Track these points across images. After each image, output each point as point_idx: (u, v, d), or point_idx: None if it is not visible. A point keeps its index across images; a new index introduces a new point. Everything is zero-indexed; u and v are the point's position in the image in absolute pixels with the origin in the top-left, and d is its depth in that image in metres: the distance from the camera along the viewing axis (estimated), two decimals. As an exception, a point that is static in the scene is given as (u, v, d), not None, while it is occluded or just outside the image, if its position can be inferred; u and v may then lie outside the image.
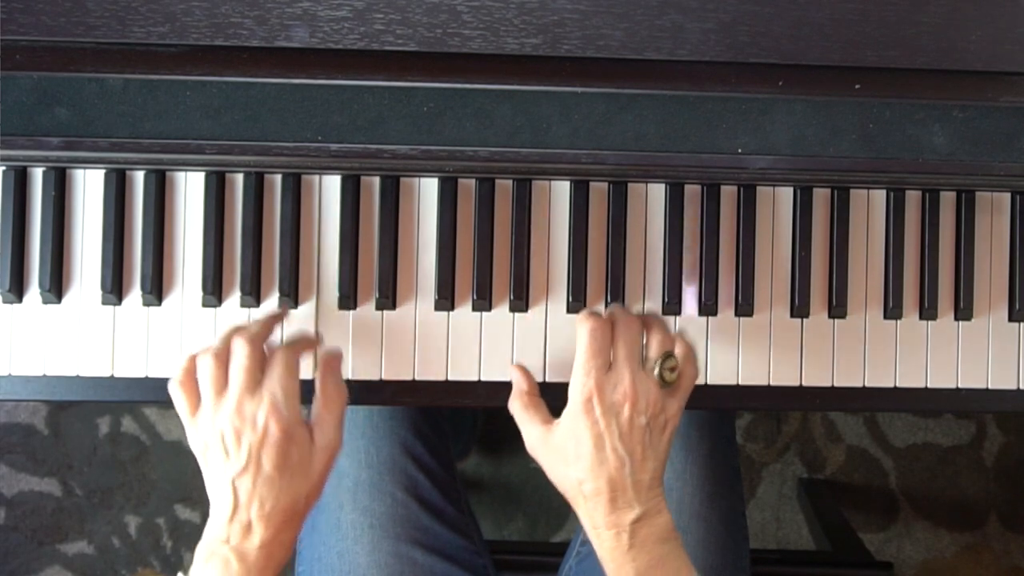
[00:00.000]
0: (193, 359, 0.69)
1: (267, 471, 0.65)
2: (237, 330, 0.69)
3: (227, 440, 0.66)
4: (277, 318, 0.75)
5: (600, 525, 0.68)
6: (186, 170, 0.77)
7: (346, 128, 0.69)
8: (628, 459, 0.67)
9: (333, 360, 0.73)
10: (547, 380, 0.78)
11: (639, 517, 0.67)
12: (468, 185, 0.78)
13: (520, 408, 0.72)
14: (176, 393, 0.69)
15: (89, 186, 0.77)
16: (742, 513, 0.95)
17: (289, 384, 0.67)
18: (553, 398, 0.80)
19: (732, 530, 0.92)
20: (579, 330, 0.69)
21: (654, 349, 0.70)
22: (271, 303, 0.77)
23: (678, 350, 0.71)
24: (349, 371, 0.78)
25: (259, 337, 0.69)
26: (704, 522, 0.90)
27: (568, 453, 0.68)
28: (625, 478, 0.67)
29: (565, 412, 0.69)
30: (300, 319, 0.78)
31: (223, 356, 0.67)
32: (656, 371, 0.69)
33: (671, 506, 0.89)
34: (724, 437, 0.94)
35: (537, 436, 0.70)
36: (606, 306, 0.78)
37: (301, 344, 0.73)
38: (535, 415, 0.71)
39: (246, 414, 0.66)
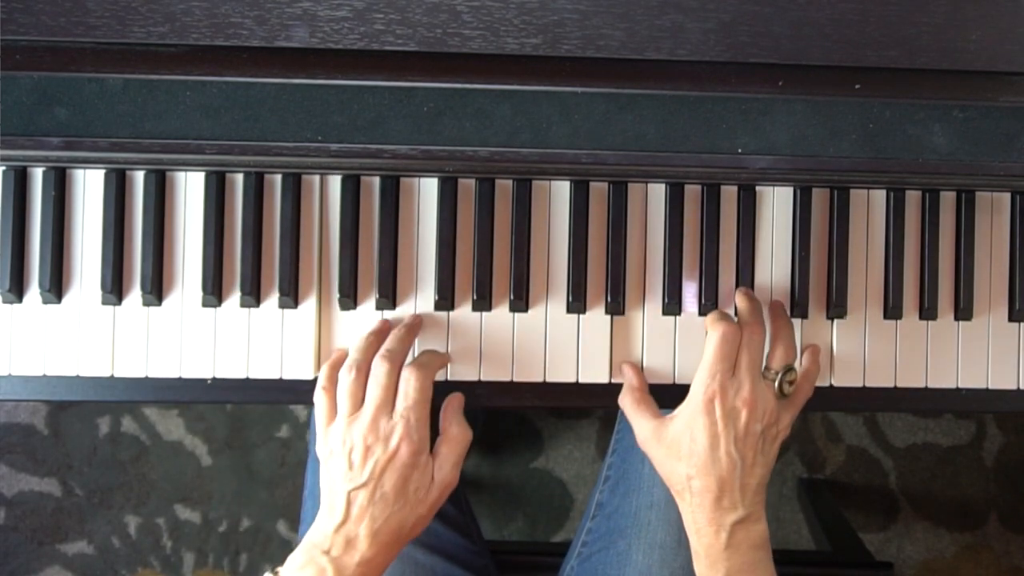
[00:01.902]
0: (335, 367, 0.72)
1: (386, 491, 0.68)
2: (374, 335, 0.72)
3: (354, 454, 0.68)
4: (414, 329, 0.75)
5: (702, 521, 0.70)
6: (186, 170, 0.77)
7: (346, 128, 0.69)
8: (740, 462, 0.69)
9: (458, 400, 0.75)
10: (547, 380, 0.78)
11: (741, 519, 0.69)
12: (468, 185, 0.78)
13: (631, 403, 0.74)
14: (319, 399, 0.72)
15: (89, 186, 0.77)
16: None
17: (422, 410, 0.70)
18: (553, 398, 0.80)
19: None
20: (710, 332, 0.71)
21: (777, 360, 0.73)
22: (271, 303, 0.77)
23: (801, 363, 0.75)
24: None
25: (399, 355, 0.71)
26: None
27: (682, 448, 0.70)
28: (735, 480, 0.69)
29: (684, 409, 0.71)
30: (300, 319, 0.78)
31: (363, 370, 0.70)
32: (776, 382, 0.72)
33: (675, 507, 0.89)
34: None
35: (650, 430, 0.72)
36: (606, 307, 0.78)
37: (435, 365, 0.74)
38: (647, 410, 0.73)
39: (379, 433, 0.68)
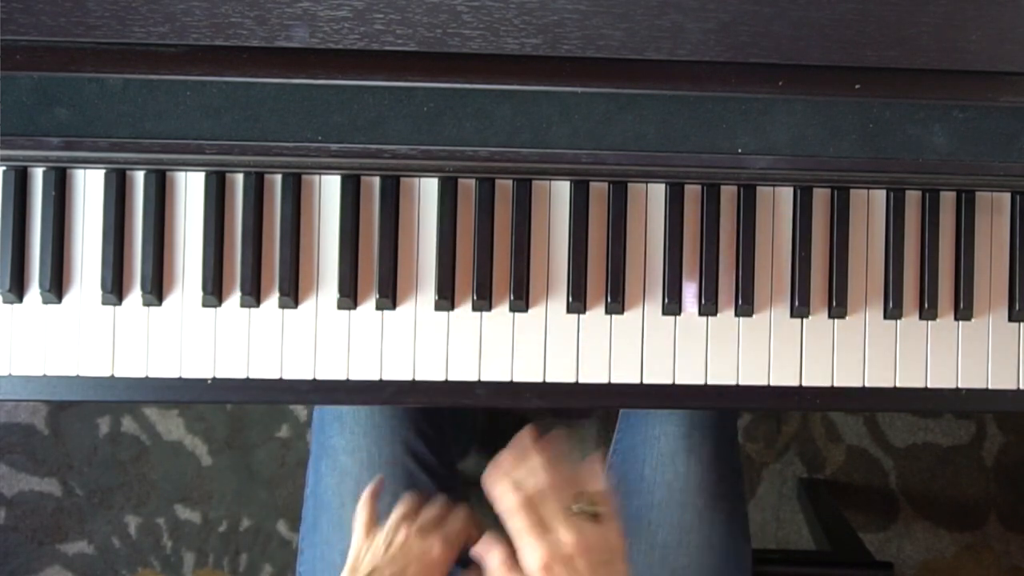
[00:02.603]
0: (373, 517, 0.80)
1: None
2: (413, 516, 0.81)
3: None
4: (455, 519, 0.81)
5: None
6: (186, 170, 0.77)
7: (346, 128, 0.69)
8: None
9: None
10: (547, 380, 0.78)
11: None
12: (468, 185, 0.78)
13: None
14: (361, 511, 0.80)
15: (89, 186, 0.77)
16: (744, 514, 0.95)
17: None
18: (553, 398, 0.80)
19: (734, 531, 0.92)
20: (501, 511, 0.72)
21: (567, 497, 0.72)
22: (271, 303, 0.77)
23: (592, 484, 0.74)
24: (349, 371, 0.78)
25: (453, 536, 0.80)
26: (708, 523, 0.90)
27: None
28: None
29: None
30: (300, 319, 0.78)
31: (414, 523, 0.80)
32: (586, 513, 0.71)
33: (675, 507, 0.89)
34: (727, 438, 0.94)
35: None
36: (606, 307, 0.78)
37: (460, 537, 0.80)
38: None
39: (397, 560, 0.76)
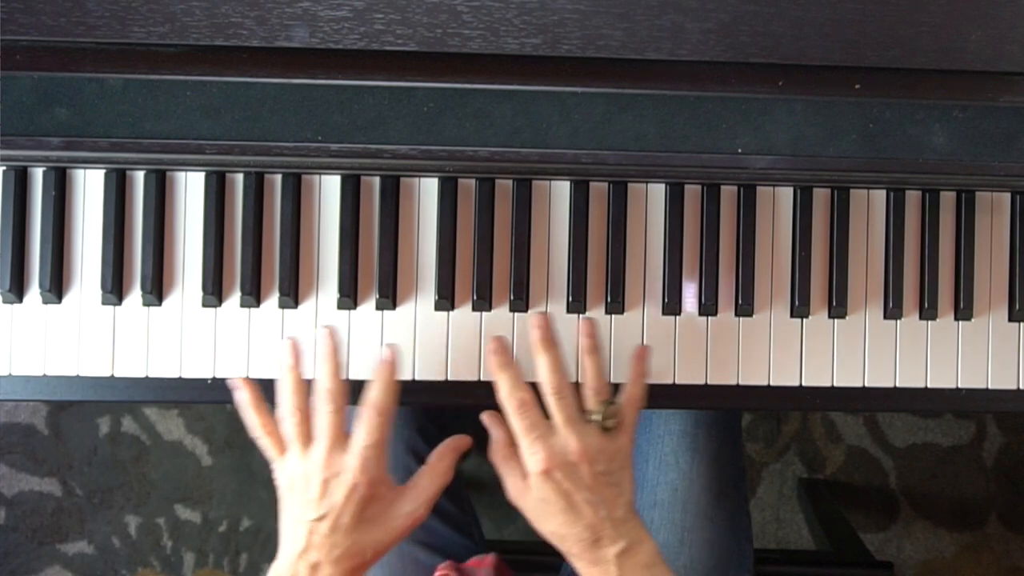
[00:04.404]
0: (266, 414, 0.73)
1: (344, 522, 0.69)
2: (293, 370, 0.72)
3: (311, 488, 0.70)
4: (335, 354, 0.73)
5: (588, 566, 0.70)
6: (186, 170, 0.77)
7: (346, 128, 0.69)
8: (600, 503, 0.70)
9: (463, 443, 0.76)
10: (547, 380, 0.78)
11: (623, 550, 0.70)
12: (468, 185, 0.78)
13: (500, 460, 0.74)
14: (263, 442, 0.73)
15: (89, 186, 0.77)
16: (746, 513, 0.95)
17: (380, 448, 0.70)
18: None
19: (737, 530, 0.92)
20: (506, 410, 0.71)
21: (590, 401, 0.72)
22: (271, 303, 0.77)
23: (625, 390, 0.74)
24: (348, 371, 0.78)
25: (339, 393, 0.71)
26: (711, 522, 0.90)
27: (543, 512, 0.71)
28: (603, 520, 0.70)
29: (530, 481, 0.71)
30: (300, 319, 0.78)
31: (304, 409, 0.71)
32: (599, 422, 0.71)
33: (678, 506, 0.89)
34: (731, 438, 0.94)
35: (516, 490, 0.73)
36: (606, 307, 0.78)
37: (392, 406, 0.72)
38: (515, 467, 0.73)
39: (335, 467, 0.69)
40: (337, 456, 0.70)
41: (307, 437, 0.71)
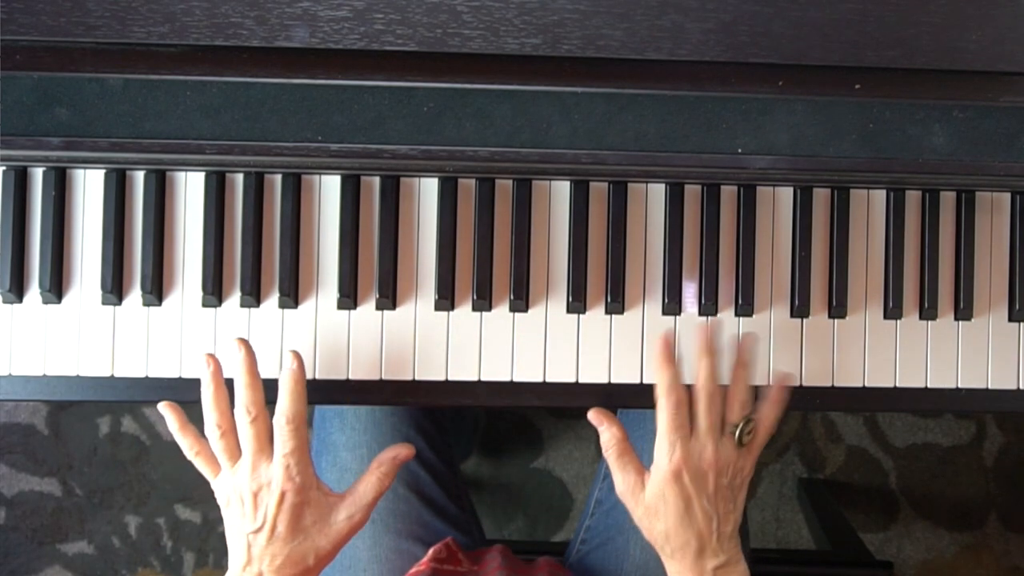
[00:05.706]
0: (193, 435, 0.74)
1: (280, 531, 0.71)
2: (213, 387, 0.72)
3: (245, 501, 0.71)
4: (253, 366, 0.73)
5: (684, 570, 0.72)
6: (186, 170, 0.77)
7: (346, 128, 0.69)
8: (715, 515, 0.72)
9: (405, 452, 0.76)
10: (547, 380, 0.78)
11: (722, 564, 0.72)
12: (468, 185, 0.78)
13: (615, 456, 0.75)
14: (197, 463, 0.75)
15: (89, 186, 0.77)
16: (743, 511, 0.95)
17: (302, 454, 0.71)
18: (553, 398, 0.80)
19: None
20: (660, 401, 0.72)
21: (735, 414, 0.74)
22: (271, 303, 0.77)
23: (760, 410, 0.75)
24: (349, 371, 0.78)
25: (257, 404, 0.72)
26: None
27: (658, 510, 0.73)
28: (712, 532, 0.72)
29: (654, 476, 0.73)
30: (300, 319, 0.78)
31: (226, 426, 0.72)
32: (736, 436, 0.73)
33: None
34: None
35: (629, 487, 0.74)
36: (606, 307, 0.78)
37: (303, 411, 0.72)
38: (629, 464, 0.74)
39: (261, 478, 0.71)
40: (263, 467, 0.71)
41: (234, 452, 0.72)
